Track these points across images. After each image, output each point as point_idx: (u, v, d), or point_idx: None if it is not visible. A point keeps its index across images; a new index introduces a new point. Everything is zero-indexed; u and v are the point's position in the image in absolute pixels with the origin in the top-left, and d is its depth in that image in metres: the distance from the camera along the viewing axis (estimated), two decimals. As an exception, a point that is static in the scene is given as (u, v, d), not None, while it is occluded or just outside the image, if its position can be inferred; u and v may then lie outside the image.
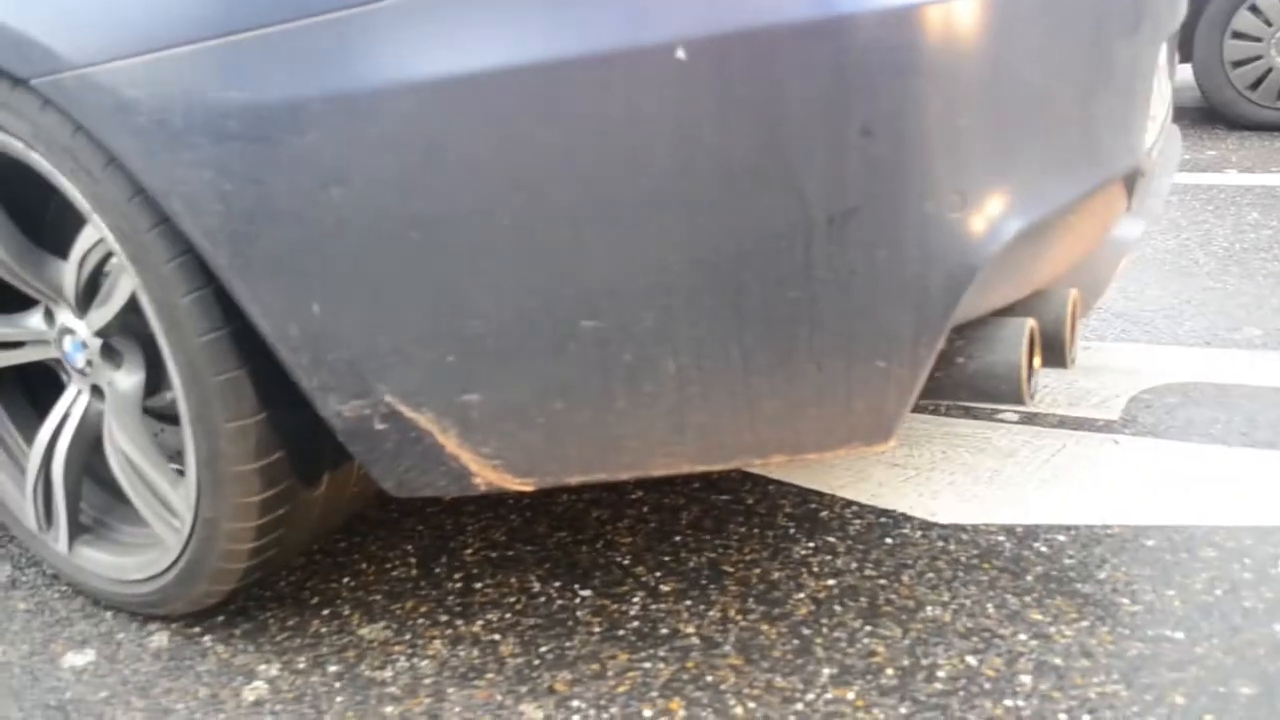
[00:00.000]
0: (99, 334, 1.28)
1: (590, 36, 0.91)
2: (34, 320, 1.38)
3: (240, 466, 1.17)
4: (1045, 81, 1.01)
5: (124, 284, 1.19)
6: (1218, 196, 3.18)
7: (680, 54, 0.89)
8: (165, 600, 1.33)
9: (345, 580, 1.42)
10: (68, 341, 1.33)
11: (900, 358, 0.99)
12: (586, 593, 1.35)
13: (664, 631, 1.27)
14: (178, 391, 1.17)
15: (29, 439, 1.45)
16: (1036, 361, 1.13)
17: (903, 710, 1.12)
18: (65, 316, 1.32)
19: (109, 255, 1.21)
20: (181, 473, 1.26)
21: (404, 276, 1.02)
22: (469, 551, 1.46)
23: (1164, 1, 1.36)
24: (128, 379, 1.30)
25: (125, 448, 1.29)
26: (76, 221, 1.28)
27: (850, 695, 1.14)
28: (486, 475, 1.13)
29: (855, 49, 0.88)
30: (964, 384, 1.09)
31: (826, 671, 1.18)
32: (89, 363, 1.32)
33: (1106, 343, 2.02)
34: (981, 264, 0.97)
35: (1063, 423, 1.69)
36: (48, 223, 1.40)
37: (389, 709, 1.18)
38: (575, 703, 1.16)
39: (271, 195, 1.03)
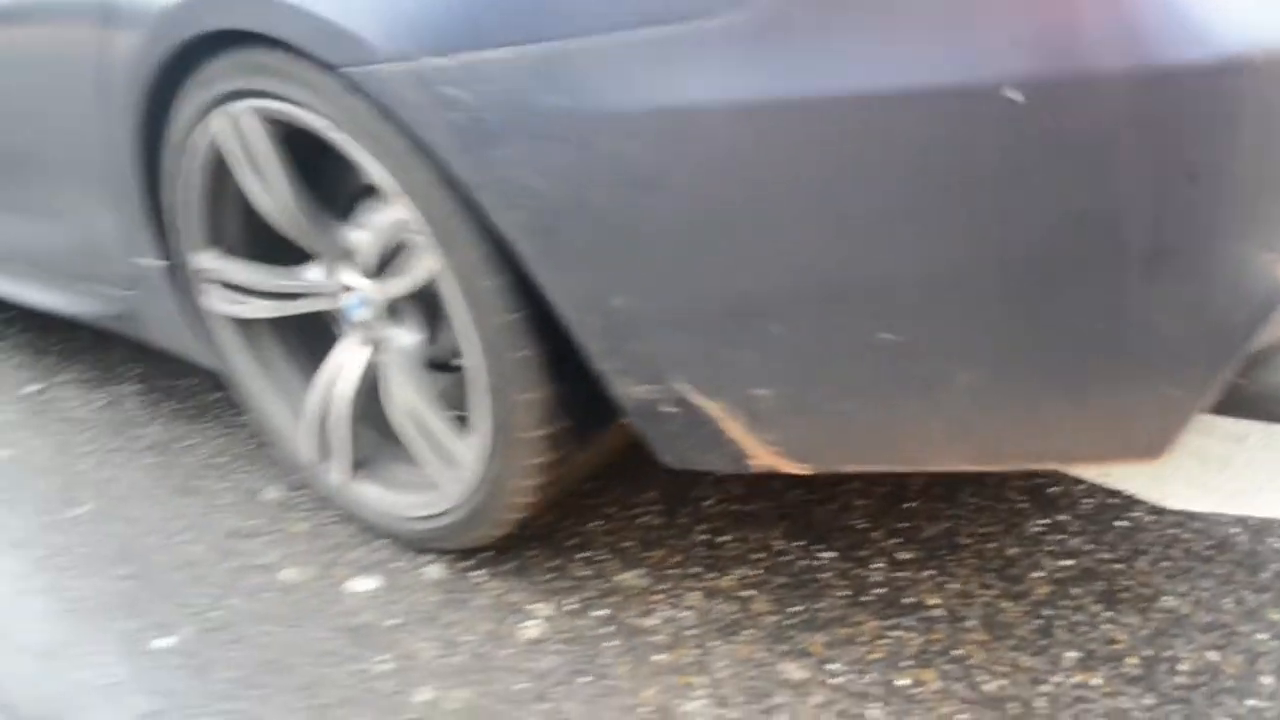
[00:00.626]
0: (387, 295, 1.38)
1: (925, 71, 0.92)
2: (312, 274, 1.47)
3: (529, 433, 1.26)
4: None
5: (425, 261, 1.27)
6: None
7: (1012, 94, 0.90)
8: (441, 538, 1.45)
9: (597, 524, 1.53)
10: (346, 297, 1.43)
11: (1190, 385, 1.01)
12: (829, 554, 1.43)
13: (908, 601, 1.34)
14: (474, 364, 1.26)
15: (304, 380, 1.57)
16: (1314, 382, 1.13)
17: (1147, 701, 1.18)
18: (347, 276, 1.42)
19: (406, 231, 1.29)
20: (460, 422, 1.36)
21: (710, 280, 1.08)
22: (709, 503, 1.55)
23: None
24: (410, 337, 1.40)
25: (410, 401, 1.39)
26: (359, 192, 1.37)
27: (1096, 681, 1.21)
28: (763, 458, 1.20)
29: (1183, 98, 0.88)
30: (1242, 404, 1.11)
31: (1070, 655, 1.24)
32: (369, 319, 1.42)
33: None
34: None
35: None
36: (333, 189, 1.48)
37: (658, 657, 1.28)
38: (832, 665, 1.25)
39: (584, 195, 1.08)
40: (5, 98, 1.72)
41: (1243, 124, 0.89)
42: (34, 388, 2.11)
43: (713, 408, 1.16)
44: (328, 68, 1.20)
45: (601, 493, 1.59)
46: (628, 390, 1.19)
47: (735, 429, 1.17)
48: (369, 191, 1.35)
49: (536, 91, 1.06)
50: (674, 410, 1.18)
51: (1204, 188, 0.91)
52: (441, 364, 1.45)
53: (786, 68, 0.96)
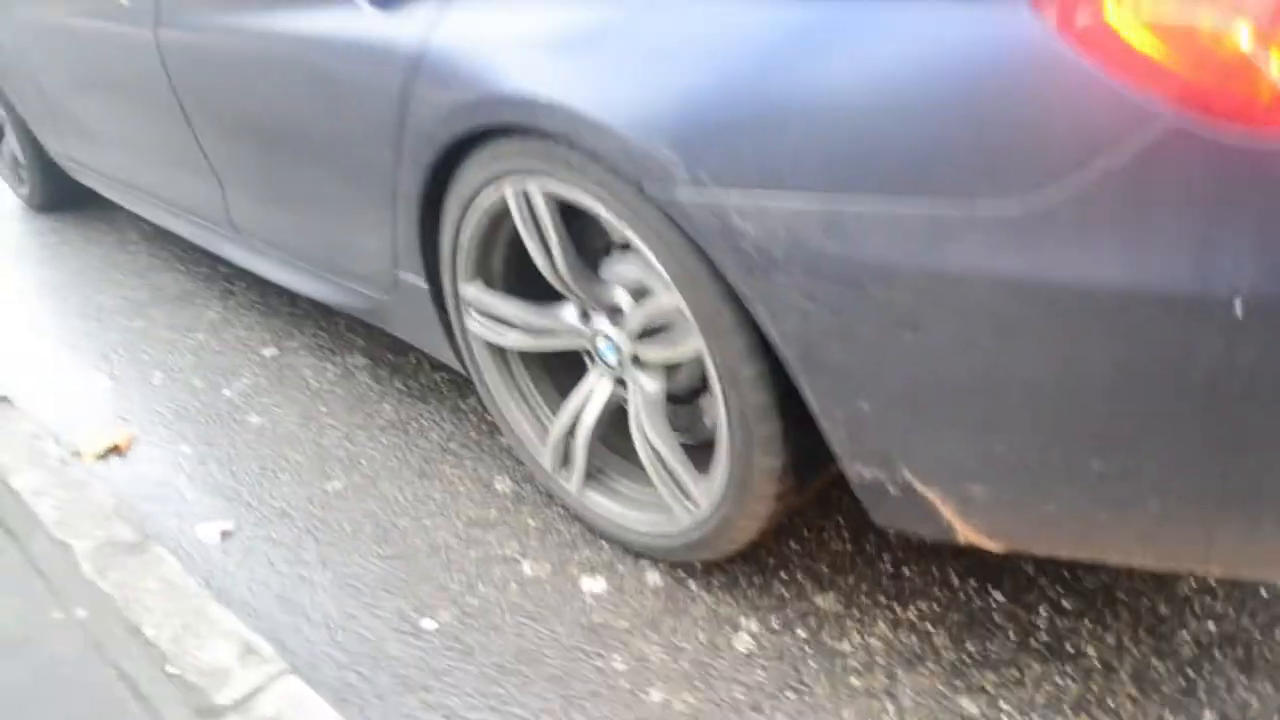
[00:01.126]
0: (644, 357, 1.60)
1: (1165, 276, 1.10)
2: (569, 316, 1.69)
3: (764, 490, 1.49)
4: None
5: (690, 342, 1.48)
6: None
7: (1237, 309, 1.08)
8: (664, 553, 1.70)
9: (793, 545, 1.77)
10: (600, 341, 1.65)
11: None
12: (1000, 597, 1.65)
13: (1069, 649, 1.56)
14: (722, 429, 1.48)
15: (549, 398, 1.81)
16: None
17: (1276, 764, 1.40)
18: (604, 324, 1.64)
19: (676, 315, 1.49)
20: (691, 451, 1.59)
21: (949, 405, 1.28)
22: (892, 533, 1.77)
23: None
24: (655, 384, 1.62)
25: (653, 440, 1.63)
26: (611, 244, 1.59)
27: (1232, 741, 1.43)
28: (966, 534, 1.41)
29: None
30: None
31: (1208, 715, 1.46)
32: (618, 362, 1.64)
33: None
34: None
35: None
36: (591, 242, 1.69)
37: (854, 681, 1.53)
38: (1003, 704, 1.49)
39: (848, 324, 1.28)
40: (312, 114, 1.92)
41: None
42: (270, 351, 2.38)
43: (931, 493, 1.38)
44: (629, 182, 1.40)
45: (793, 513, 1.83)
46: (859, 470, 1.41)
47: (946, 510, 1.39)
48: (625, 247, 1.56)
49: (818, 235, 1.25)
50: (895, 490, 1.40)
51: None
52: (678, 396, 1.68)
53: (1044, 256, 1.14)
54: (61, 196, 3.65)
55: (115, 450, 2.13)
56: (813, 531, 1.80)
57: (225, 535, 1.87)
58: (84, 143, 3.11)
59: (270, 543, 1.84)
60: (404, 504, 1.90)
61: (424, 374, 2.26)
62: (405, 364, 2.31)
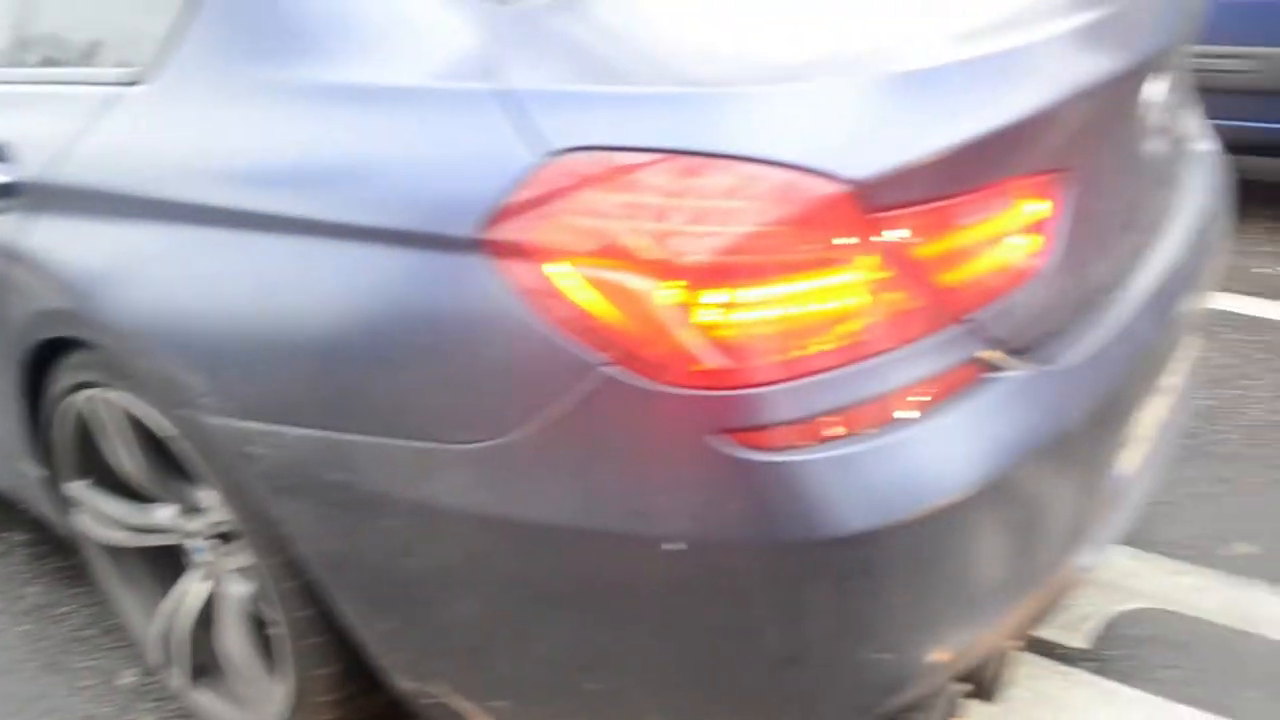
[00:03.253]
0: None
1: (609, 515, 1.15)
2: (163, 515, 1.69)
3: (323, 697, 1.51)
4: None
5: (246, 554, 1.50)
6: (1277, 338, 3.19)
7: (672, 546, 1.14)
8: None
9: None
10: (192, 540, 1.65)
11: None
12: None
13: None
14: (280, 639, 1.49)
15: (158, 593, 1.79)
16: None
17: None
18: (193, 524, 1.64)
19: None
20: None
21: (457, 627, 1.31)
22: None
23: None
24: (239, 587, 1.62)
25: (229, 643, 1.62)
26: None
27: None
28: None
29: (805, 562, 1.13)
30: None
31: None
32: (211, 560, 1.64)
33: (1110, 542, 2.22)
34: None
35: (1033, 644, 1.93)
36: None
37: None
38: None
39: (359, 548, 1.32)
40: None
41: (852, 579, 1.14)
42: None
43: (465, 706, 1.40)
44: (166, 401, 1.42)
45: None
46: (399, 681, 1.43)
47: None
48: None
49: (323, 466, 1.28)
50: (435, 702, 1.42)
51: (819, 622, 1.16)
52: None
53: (508, 495, 1.18)
54: None
55: None
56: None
57: None
58: None
59: None
60: (20, 702, 1.85)
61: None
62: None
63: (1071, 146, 1.25)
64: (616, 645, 1.23)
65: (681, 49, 1.19)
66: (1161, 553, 2.18)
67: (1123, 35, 1.39)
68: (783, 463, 1.10)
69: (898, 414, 1.15)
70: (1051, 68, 1.24)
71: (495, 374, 1.15)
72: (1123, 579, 2.09)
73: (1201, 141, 1.88)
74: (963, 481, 1.16)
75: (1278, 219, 4.11)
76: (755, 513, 1.11)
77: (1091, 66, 1.28)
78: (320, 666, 1.47)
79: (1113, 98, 1.34)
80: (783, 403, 1.10)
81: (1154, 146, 1.54)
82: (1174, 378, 1.66)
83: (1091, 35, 1.33)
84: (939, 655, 1.25)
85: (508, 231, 1.09)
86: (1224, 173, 1.91)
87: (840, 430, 1.12)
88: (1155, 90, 1.48)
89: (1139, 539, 2.21)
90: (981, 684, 1.43)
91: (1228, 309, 3.30)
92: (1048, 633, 1.95)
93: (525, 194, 1.09)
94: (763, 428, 1.10)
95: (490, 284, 1.12)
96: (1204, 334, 2.61)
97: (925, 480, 1.15)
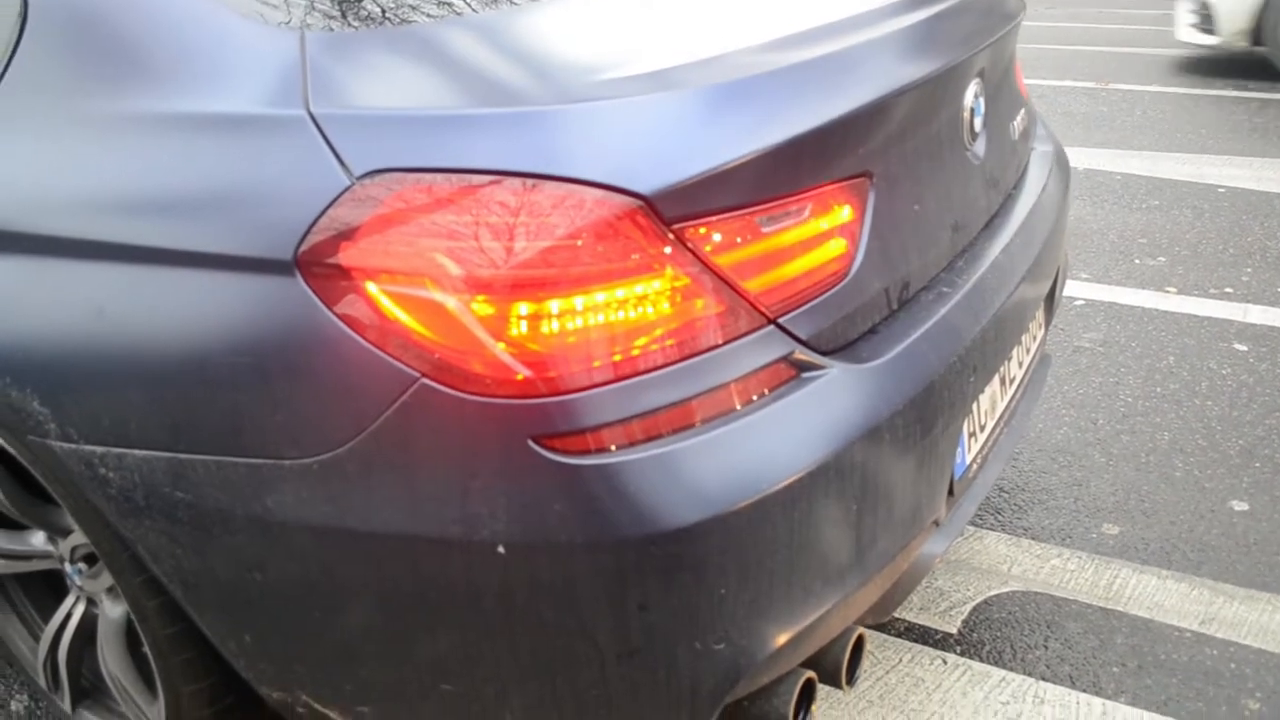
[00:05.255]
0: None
1: (436, 523, 1.20)
2: (37, 540, 1.71)
3: (198, 712, 1.53)
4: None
5: (107, 575, 1.52)
6: (1151, 326, 3.29)
7: (501, 549, 1.18)
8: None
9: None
10: (68, 565, 1.68)
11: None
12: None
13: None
14: (152, 662, 1.52)
15: (41, 620, 1.82)
16: (814, 706, 1.44)
17: None
18: (65, 548, 1.66)
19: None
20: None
21: (312, 637, 1.35)
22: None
23: None
24: (114, 608, 1.65)
25: (109, 663, 1.64)
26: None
27: None
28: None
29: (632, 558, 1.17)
30: (741, 725, 1.41)
31: None
32: (83, 584, 1.67)
33: (983, 529, 2.30)
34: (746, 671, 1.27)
35: (907, 631, 1.99)
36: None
37: None
38: None
39: (210, 565, 1.35)
40: None
41: (680, 572, 1.19)
42: None
43: (332, 713, 1.43)
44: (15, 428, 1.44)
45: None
46: (266, 692, 1.46)
47: (348, 727, 1.45)
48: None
49: (168, 485, 1.32)
50: (303, 710, 1.45)
51: (655, 611, 1.21)
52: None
53: (342, 507, 1.22)
54: None
55: None
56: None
57: None
58: None
59: None
60: (-93, 731, 1.86)
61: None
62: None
63: (874, 152, 1.32)
64: (464, 647, 1.27)
65: (495, 69, 1.23)
66: (1032, 537, 2.26)
67: (933, 42, 1.45)
68: (601, 465, 1.15)
69: (715, 412, 1.20)
70: (854, 76, 1.30)
71: (320, 392, 1.19)
72: (994, 564, 2.17)
73: (1042, 142, 1.96)
74: (779, 474, 1.21)
75: (1152, 210, 4.24)
76: (577, 514, 1.16)
77: (896, 73, 1.35)
78: (193, 681, 1.50)
79: (920, 103, 1.40)
80: (596, 407, 1.15)
81: (982, 148, 1.61)
82: (1017, 368, 1.73)
83: (900, 42, 1.39)
84: (778, 642, 1.31)
85: (320, 254, 1.14)
86: (1066, 171, 1.99)
87: (657, 430, 1.18)
88: (975, 94, 1.55)
89: (1010, 524, 2.29)
90: (836, 670, 1.48)
91: (1100, 298, 3.41)
92: (921, 619, 2.02)
93: (335, 216, 1.13)
94: (578, 432, 1.15)
95: (308, 305, 1.16)
96: (1072, 324, 2.69)
97: (743, 474, 1.20)
